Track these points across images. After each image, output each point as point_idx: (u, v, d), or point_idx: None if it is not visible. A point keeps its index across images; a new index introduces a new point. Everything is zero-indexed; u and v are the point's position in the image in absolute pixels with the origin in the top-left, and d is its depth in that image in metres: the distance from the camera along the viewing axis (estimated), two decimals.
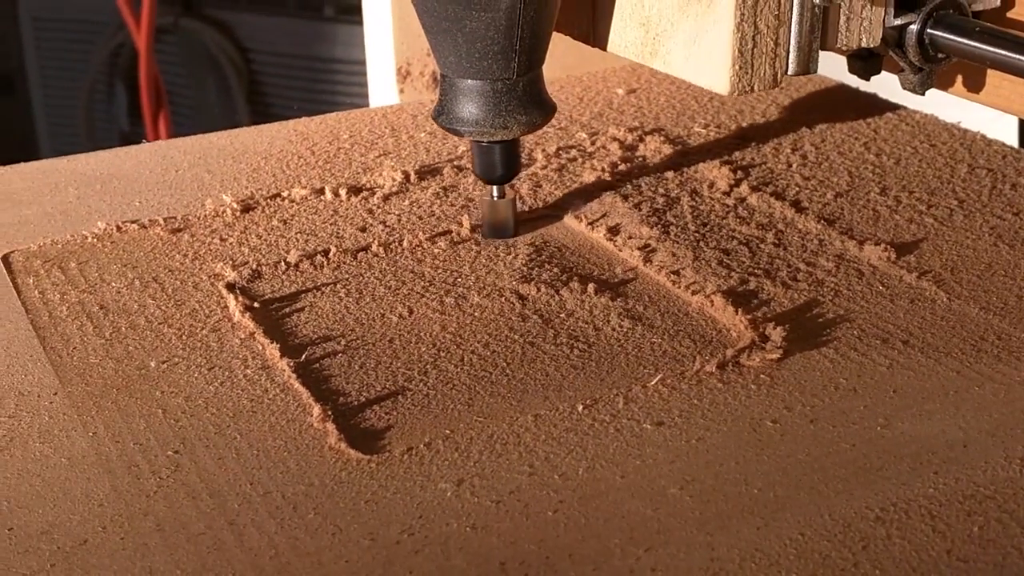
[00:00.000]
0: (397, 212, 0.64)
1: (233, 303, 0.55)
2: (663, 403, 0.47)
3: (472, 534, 0.40)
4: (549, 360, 0.51)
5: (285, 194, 0.66)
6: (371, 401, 0.48)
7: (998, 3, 0.56)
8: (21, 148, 1.91)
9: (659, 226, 0.61)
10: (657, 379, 0.48)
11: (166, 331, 0.53)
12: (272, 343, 0.51)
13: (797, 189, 0.65)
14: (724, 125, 0.74)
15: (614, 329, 0.53)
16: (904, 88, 0.57)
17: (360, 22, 0.85)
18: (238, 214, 0.64)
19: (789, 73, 0.54)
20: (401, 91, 0.82)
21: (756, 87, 0.53)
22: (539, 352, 0.51)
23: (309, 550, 0.40)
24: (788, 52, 0.53)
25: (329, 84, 1.63)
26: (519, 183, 0.67)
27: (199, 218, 0.63)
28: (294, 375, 0.49)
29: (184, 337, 0.52)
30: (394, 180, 0.67)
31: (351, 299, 0.56)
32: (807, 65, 0.54)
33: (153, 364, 0.50)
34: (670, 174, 0.68)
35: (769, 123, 0.74)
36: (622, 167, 0.68)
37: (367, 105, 0.85)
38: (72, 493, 0.43)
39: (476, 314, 0.54)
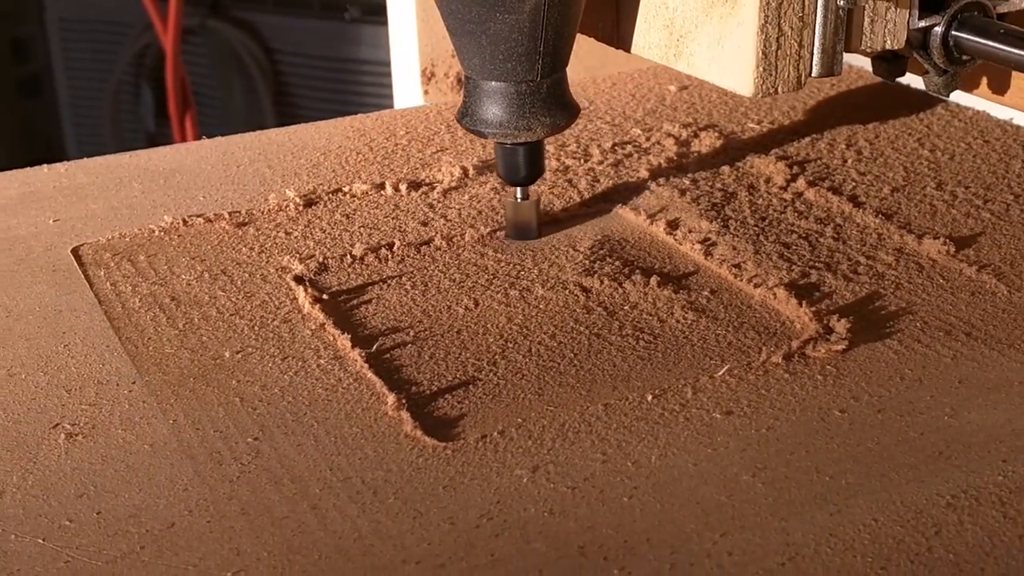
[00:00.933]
0: (457, 207, 0.65)
1: (302, 295, 0.56)
2: (731, 393, 0.48)
3: (550, 519, 0.41)
4: (616, 351, 0.51)
5: (346, 189, 0.67)
6: (443, 390, 0.49)
7: (1023, 5, 0.56)
8: (48, 149, 1.93)
9: (718, 220, 0.62)
10: (724, 370, 0.49)
11: (238, 322, 0.54)
12: (343, 334, 0.52)
13: (853, 184, 0.66)
14: (777, 121, 0.75)
15: (678, 321, 0.53)
16: (928, 90, 0.57)
17: (385, 23, 0.85)
18: (301, 208, 0.65)
19: (813, 75, 0.54)
20: (426, 92, 0.82)
21: (780, 89, 0.53)
22: (605, 343, 0.52)
23: (391, 533, 0.41)
24: (812, 54, 0.53)
25: (354, 85, 1.64)
26: (577, 178, 0.67)
27: (263, 212, 0.64)
28: (366, 365, 0.50)
29: (256, 328, 0.53)
30: (452, 175, 0.68)
31: (417, 291, 0.57)
32: (831, 67, 0.54)
33: (228, 354, 0.51)
34: (726, 169, 0.68)
35: (822, 119, 0.75)
36: (678, 162, 0.69)
37: (392, 106, 0.86)
38: (156, 478, 0.44)
39: (541, 306, 0.55)
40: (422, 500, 0.42)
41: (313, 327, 0.53)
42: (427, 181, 0.68)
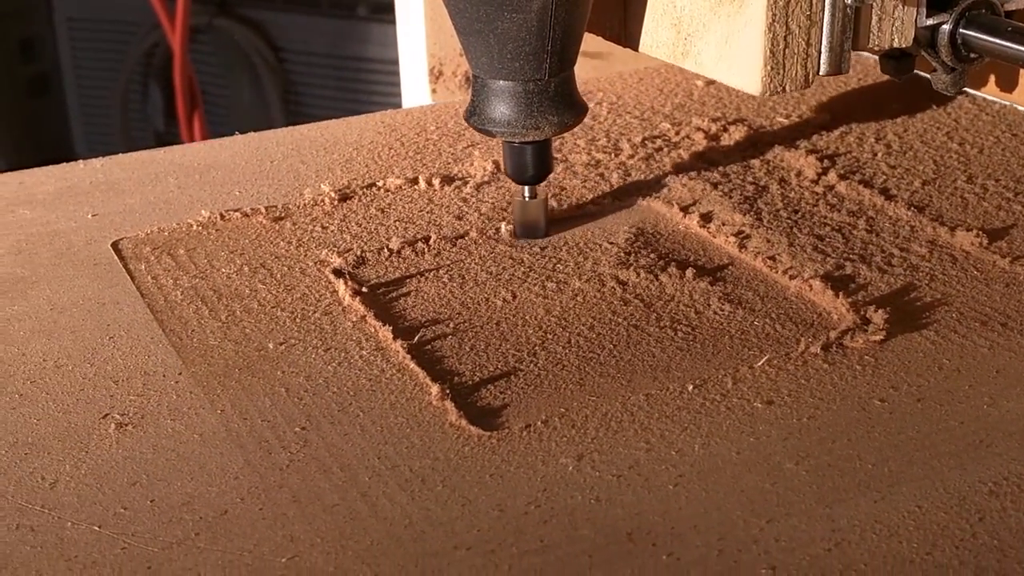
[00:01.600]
0: (491, 200, 0.65)
1: (342, 288, 0.56)
2: (771, 383, 0.48)
3: (597, 506, 0.42)
4: (654, 342, 0.52)
5: (380, 184, 0.67)
6: (485, 381, 0.50)
7: None
8: (56, 148, 1.94)
9: (751, 213, 0.62)
10: (763, 360, 0.50)
11: (279, 314, 0.55)
12: (384, 326, 0.53)
13: (884, 177, 0.66)
14: (805, 115, 0.75)
15: (715, 313, 0.54)
16: (936, 88, 0.56)
17: (393, 21, 0.85)
18: (336, 203, 0.65)
19: (821, 73, 0.54)
20: (434, 91, 0.82)
21: (788, 87, 0.53)
22: (644, 335, 0.52)
23: (442, 520, 0.41)
24: (820, 52, 0.53)
25: (363, 84, 1.64)
26: (608, 173, 0.68)
27: (298, 207, 0.65)
28: (408, 356, 0.51)
29: (298, 320, 0.54)
30: (485, 170, 0.69)
31: (455, 284, 0.57)
32: (839, 65, 0.54)
33: (271, 346, 0.52)
34: (756, 163, 0.69)
35: (850, 114, 0.75)
36: (708, 156, 0.70)
37: (400, 105, 0.86)
38: (207, 467, 0.44)
39: (578, 299, 0.55)
40: (470, 488, 0.43)
41: (354, 319, 0.54)
42: (459, 176, 0.68)
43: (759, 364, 0.49)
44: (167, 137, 1.79)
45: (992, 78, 0.61)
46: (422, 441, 0.46)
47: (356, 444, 0.45)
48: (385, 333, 0.53)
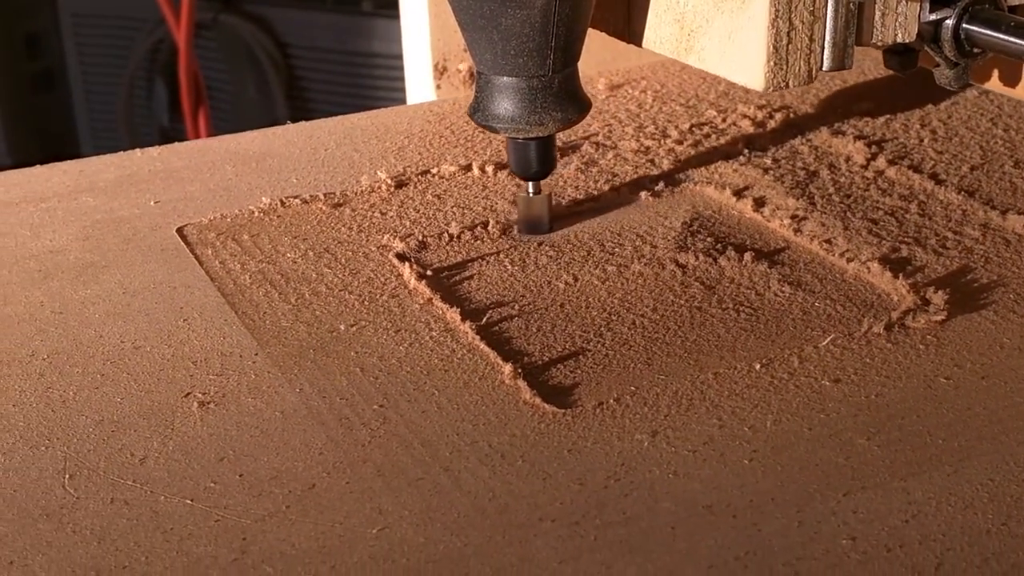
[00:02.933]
0: (544, 185, 0.66)
1: (407, 271, 0.57)
2: (836, 362, 0.49)
3: (675, 480, 0.43)
4: (718, 323, 0.53)
5: (434, 171, 0.68)
6: (554, 360, 0.51)
7: None
8: (62, 144, 1.95)
9: (804, 198, 0.63)
10: (828, 340, 0.51)
11: (348, 297, 0.56)
12: (451, 308, 0.54)
13: (933, 162, 0.67)
14: (849, 102, 0.76)
15: (776, 294, 0.55)
16: (939, 83, 0.56)
17: (398, 16, 0.85)
18: (393, 189, 0.66)
19: (824, 69, 0.54)
20: (438, 87, 0.82)
21: (791, 83, 0.53)
22: (707, 316, 0.53)
23: (524, 493, 0.42)
24: (823, 48, 0.53)
25: (368, 79, 1.64)
26: (659, 159, 0.69)
27: (356, 194, 0.66)
28: (477, 337, 0.52)
29: (366, 303, 0.55)
30: None
31: (516, 267, 0.58)
32: (842, 61, 0.54)
33: (343, 327, 0.53)
34: (804, 149, 0.70)
35: (894, 100, 0.76)
36: (757, 143, 0.71)
37: (404, 101, 0.86)
38: (291, 443, 0.45)
39: (639, 281, 0.56)
40: (549, 463, 0.44)
41: (420, 302, 0.55)
42: None
43: (824, 344, 0.50)
44: (172, 133, 1.79)
45: (996, 72, 0.61)
46: (498, 418, 0.47)
47: (434, 421, 0.47)
48: (453, 315, 0.54)
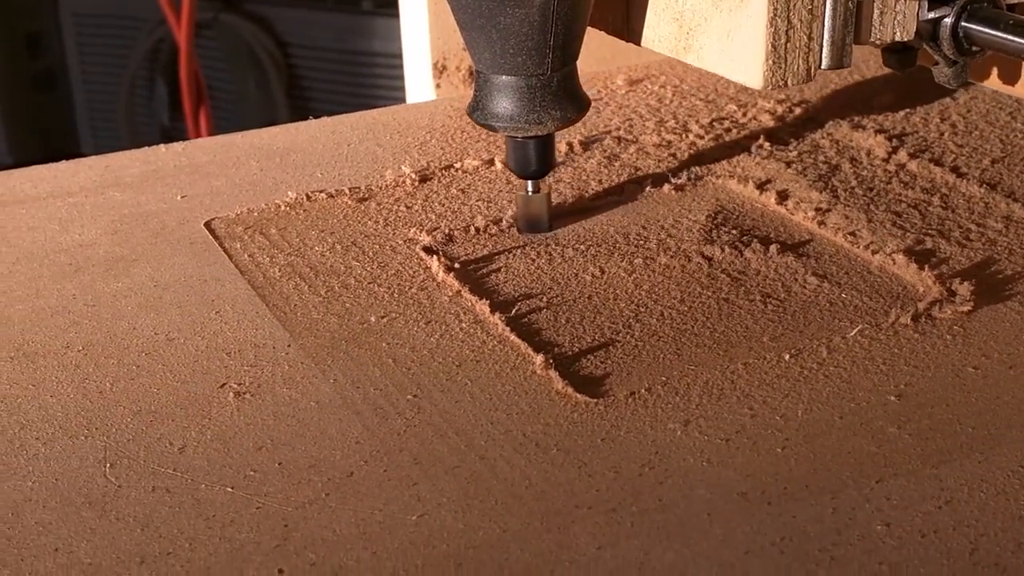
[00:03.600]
0: (568, 179, 0.67)
1: (435, 264, 0.58)
2: (865, 352, 0.50)
3: (709, 468, 0.43)
4: (746, 314, 0.53)
5: (457, 165, 0.69)
6: (584, 351, 0.51)
7: None
8: (63, 142, 1.95)
9: (827, 191, 0.64)
10: (856, 330, 0.51)
11: (377, 290, 0.56)
12: (480, 300, 0.54)
13: (953, 156, 0.68)
14: (868, 97, 0.76)
15: (803, 286, 0.55)
16: (938, 81, 0.56)
17: (398, 15, 0.85)
18: (417, 184, 0.67)
19: (823, 67, 0.54)
20: (437, 86, 0.83)
21: (790, 82, 0.53)
22: (735, 307, 0.54)
23: (560, 481, 0.43)
24: (822, 46, 0.53)
25: (368, 78, 1.64)
26: (681, 153, 0.69)
27: (381, 188, 0.67)
28: (507, 328, 0.52)
29: (395, 295, 0.56)
30: (559, 151, 0.70)
31: (542, 260, 0.59)
32: (840, 59, 0.53)
33: (373, 319, 0.54)
34: (825, 143, 0.70)
35: (913, 95, 0.76)
36: (778, 137, 0.71)
37: (404, 100, 0.87)
38: (328, 432, 0.46)
39: (666, 274, 0.57)
40: (583, 451, 0.44)
41: (449, 294, 0.56)
42: None
43: (852, 334, 0.51)
44: (173, 132, 1.79)
45: (995, 70, 0.62)
46: (531, 408, 0.47)
47: (468, 411, 0.47)
48: (483, 307, 0.54)
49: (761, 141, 0.70)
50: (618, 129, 0.73)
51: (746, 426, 0.46)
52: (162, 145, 0.73)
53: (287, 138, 0.74)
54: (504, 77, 0.56)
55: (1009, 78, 0.60)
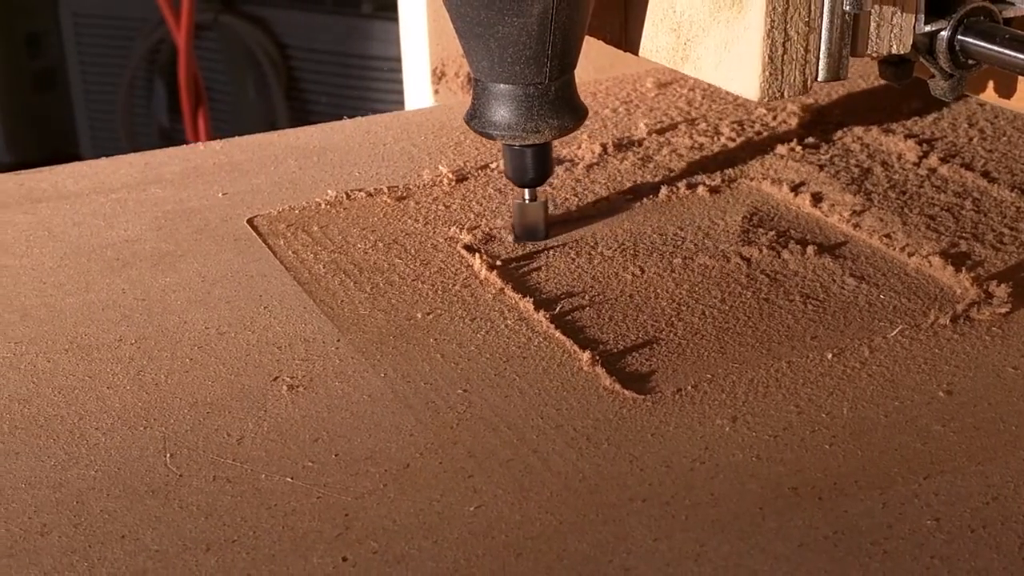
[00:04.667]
0: (603, 180, 0.68)
1: (477, 262, 0.58)
2: (906, 352, 0.51)
3: (759, 463, 0.44)
4: (786, 314, 0.54)
5: (493, 165, 0.70)
6: (629, 349, 0.52)
7: None
8: (62, 143, 1.96)
9: (860, 194, 0.65)
10: (896, 330, 0.52)
11: (421, 287, 0.57)
12: (524, 297, 0.55)
13: (984, 160, 0.69)
14: (897, 102, 0.77)
15: (841, 287, 0.56)
16: (934, 94, 0.56)
17: (397, 19, 0.85)
18: (454, 183, 0.68)
19: (819, 79, 0.54)
20: (436, 92, 0.83)
21: (786, 93, 0.53)
22: (775, 307, 0.55)
23: (613, 475, 0.44)
24: (818, 59, 0.53)
25: (367, 81, 1.64)
26: (713, 155, 0.70)
27: (418, 187, 0.67)
28: (552, 325, 0.53)
29: (439, 292, 0.56)
30: (593, 152, 0.71)
31: (583, 259, 0.60)
32: (837, 71, 0.53)
33: (419, 315, 0.54)
34: (856, 147, 0.71)
35: (939, 101, 0.77)
36: (808, 140, 0.72)
37: (403, 104, 0.87)
38: (382, 425, 0.47)
39: (705, 274, 0.58)
40: (634, 446, 0.45)
41: (493, 291, 0.56)
42: (569, 158, 0.71)
43: (892, 334, 0.52)
44: (171, 134, 1.80)
45: (991, 84, 0.62)
46: (580, 403, 0.48)
47: (517, 405, 0.48)
48: (526, 304, 0.55)
49: (793, 144, 0.71)
50: (659, 132, 0.74)
51: (793, 423, 0.46)
52: (199, 143, 0.74)
53: (323, 137, 0.75)
54: (502, 85, 0.56)
55: (1005, 92, 0.60)
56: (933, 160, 0.69)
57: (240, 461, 0.45)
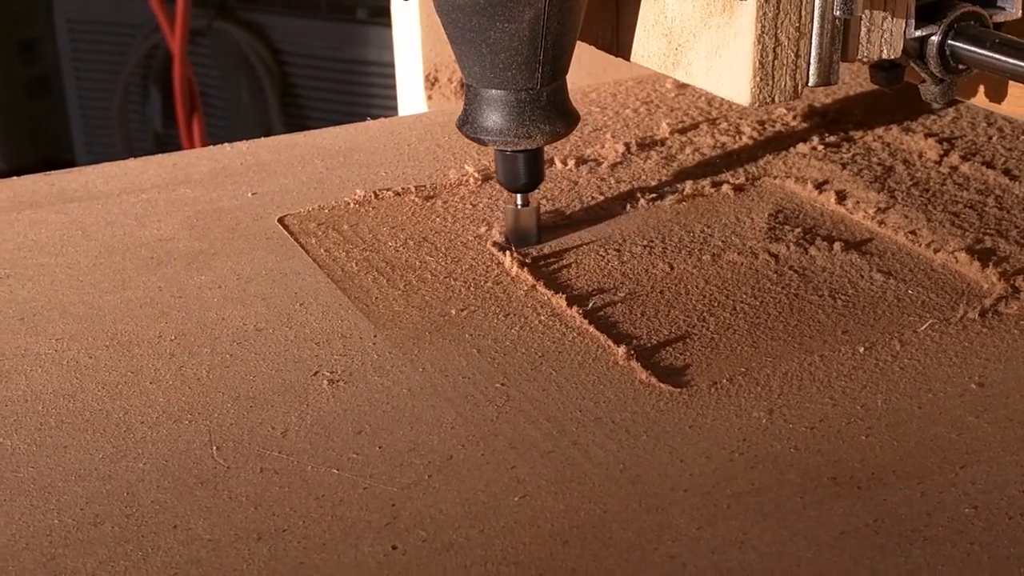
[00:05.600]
0: (628, 179, 0.68)
1: (508, 259, 0.59)
2: (936, 346, 0.51)
3: (797, 454, 0.45)
4: (817, 309, 0.55)
5: None
6: (662, 343, 0.53)
7: (1020, 14, 0.55)
8: (56, 149, 1.96)
9: (884, 191, 0.65)
10: (926, 324, 0.53)
11: (453, 284, 0.58)
12: (556, 294, 0.56)
13: (1004, 158, 0.69)
14: (915, 101, 0.78)
15: (869, 283, 0.57)
16: (925, 99, 0.57)
17: (391, 25, 0.86)
18: (480, 183, 0.68)
19: (810, 85, 0.54)
20: (429, 98, 0.83)
21: (777, 98, 0.53)
22: (805, 303, 0.55)
23: (653, 465, 0.44)
24: (809, 64, 0.53)
25: (363, 87, 1.64)
26: (736, 154, 0.71)
27: (445, 186, 0.68)
28: (586, 321, 0.54)
29: (472, 289, 0.57)
30: (617, 152, 0.72)
31: (612, 256, 0.60)
32: (828, 77, 0.54)
33: (453, 312, 0.55)
34: (876, 145, 0.72)
35: (957, 101, 0.78)
36: (829, 139, 0.73)
37: (396, 111, 0.87)
38: (423, 418, 0.47)
39: (735, 270, 0.58)
40: (672, 437, 0.46)
41: (524, 288, 0.57)
42: (593, 157, 0.71)
43: (922, 328, 0.52)
44: (166, 139, 1.80)
45: (982, 88, 0.62)
46: (617, 396, 0.49)
47: (555, 398, 0.49)
48: (559, 301, 0.56)
49: (815, 143, 0.72)
50: (672, 131, 0.75)
51: (828, 415, 0.47)
52: (226, 144, 0.74)
53: (348, 138, 0.76)
54: (494, 91, 0.57)
55: (996, 96, 0.60)
56: (954, 158, 0.69)
57: (286, 453, 0.45)
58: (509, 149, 0.59)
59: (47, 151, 1.96)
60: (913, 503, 0.42)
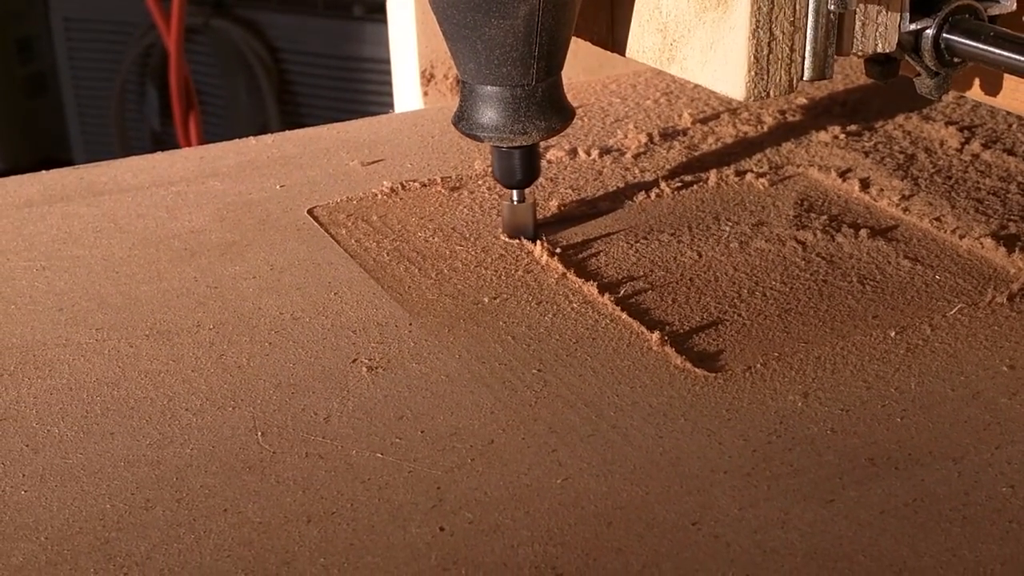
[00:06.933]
0: (652, 168, 0.69)
1: (538, 248, 0.60)
2: (966, 329, 0.52)
3: (833, 436, 0.45)
4: (846, 295, 0.55)
5: (543, 155, 0.71)
6: (695, 329, 0.53)
7: (1014, 7, 0.55)
8: (53, 147, 1.97)
9: (908, 179, 0.66)
10: (955, 309, 0.53)
11: (484, 272, 0.58)
12: (587, 282, 0.57)
13: None
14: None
15: (896, 269, 0.57)
16: (920, 92, 0.57)
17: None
18: None
19: (805, 79, 0.54)
20: (425, 94, 0.83)
21: (772, 93, 0.54)
22: (834, 289, 0.56)
23: (692, 448, 0.45)
24: (804, 58, 0.53)
25: (359, 84, 1.65)
26: (758, 143, 0.71)
27: (471, 177, 0.69)
28: (618, 308, 0.55)
29: (503, 278, 0.58)
30: (639, 142, 0.72)
31: (640, 244, 0.61)
32: (823, 71, 0.54)
33: (486, 300, 0.56)
34: (898, 134, 0.72)
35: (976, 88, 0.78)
36: (850, 128, 0.73)
37: (392, 107, 0.87)
38: (462, 403, 0.48)
39: (763, 257, 0.59)
40: (710, 421, 0.47)
41: (555, 276, 0.58)
42: (616, 147, 0.72)
43: (951, 312, 0.53)
44: (163, 137, 1.80)
45: (977, 81, 0.62)
46: (652, 381, 0.49)
47: (592, 384, 0.49)
48: (590, 288, 0.56)
49: (836, 132, 0.72)
50: (704, 122, 0.75)
51: (863, 398, 0.48)
52: (251, 138, 0.75)
53: (372, 130, 0.76)
54: (489, 87, 0.57)
55: (991, 90, 0.61)
56: (975, 146, 0.70)
57: (329, 438, 0.46)
58: (505, 145, 0.59)
59: (44, 150, 1.96)
60: (951, 483, 0.43)
